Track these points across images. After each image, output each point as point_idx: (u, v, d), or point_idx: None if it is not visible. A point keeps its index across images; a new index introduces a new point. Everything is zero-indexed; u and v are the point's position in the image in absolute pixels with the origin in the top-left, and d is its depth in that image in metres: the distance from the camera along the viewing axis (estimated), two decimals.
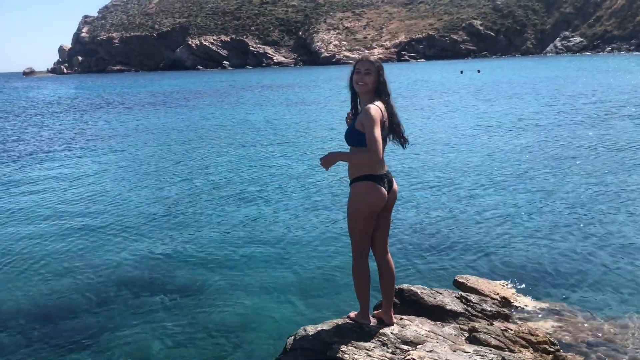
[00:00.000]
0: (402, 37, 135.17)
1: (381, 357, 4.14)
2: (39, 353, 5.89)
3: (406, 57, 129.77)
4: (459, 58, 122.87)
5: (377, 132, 4.02)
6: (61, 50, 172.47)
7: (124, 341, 6.07)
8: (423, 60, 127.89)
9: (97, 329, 6.33)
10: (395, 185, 4.37)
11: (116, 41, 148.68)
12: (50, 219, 10.74)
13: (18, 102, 50.25)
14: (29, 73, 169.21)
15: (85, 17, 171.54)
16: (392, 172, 4.44)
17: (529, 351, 4.70)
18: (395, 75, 65.00)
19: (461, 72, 66.03)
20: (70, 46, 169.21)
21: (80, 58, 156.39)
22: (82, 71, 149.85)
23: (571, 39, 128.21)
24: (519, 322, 5.62)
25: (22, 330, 6.40)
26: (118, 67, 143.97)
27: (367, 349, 4.21)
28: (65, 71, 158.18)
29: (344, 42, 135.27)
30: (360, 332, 4.44)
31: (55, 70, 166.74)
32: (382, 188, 4.21)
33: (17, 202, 12.27)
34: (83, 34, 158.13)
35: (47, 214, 11.16)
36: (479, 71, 65.66)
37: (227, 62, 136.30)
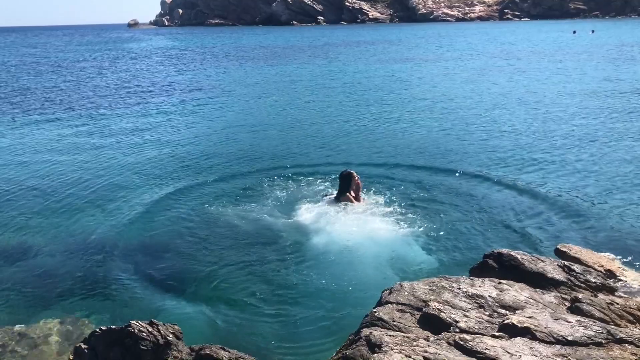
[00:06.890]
0: None
1: (478, 319, 4.07)
2: None
3: (509, 16, 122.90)
4: (567, 18, 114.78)
5: None
6: (163, 3, 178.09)
7: None
8: (527, 19, 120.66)
9: None
10: None
11: None
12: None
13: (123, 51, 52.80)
14: (133, 25, 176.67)
15: None
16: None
17: (637, 327, 4.45)
18: (497, 36, 61.99)
19: (574, 32, 62.54)
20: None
21: (180, 11, 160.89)
22: (182, 24, 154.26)
23: None
24: (625, 296, 5.33)
25: None
26: (216, 21, 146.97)
27: (463, 310, 4.15)
28: (167, 23, 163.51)
29: None
30: (456, 292, 4.38)
31: (157, 23, 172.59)
32: None
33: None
34: None
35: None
36: (592, 31, 61.71)
37: (322, 18, 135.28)
